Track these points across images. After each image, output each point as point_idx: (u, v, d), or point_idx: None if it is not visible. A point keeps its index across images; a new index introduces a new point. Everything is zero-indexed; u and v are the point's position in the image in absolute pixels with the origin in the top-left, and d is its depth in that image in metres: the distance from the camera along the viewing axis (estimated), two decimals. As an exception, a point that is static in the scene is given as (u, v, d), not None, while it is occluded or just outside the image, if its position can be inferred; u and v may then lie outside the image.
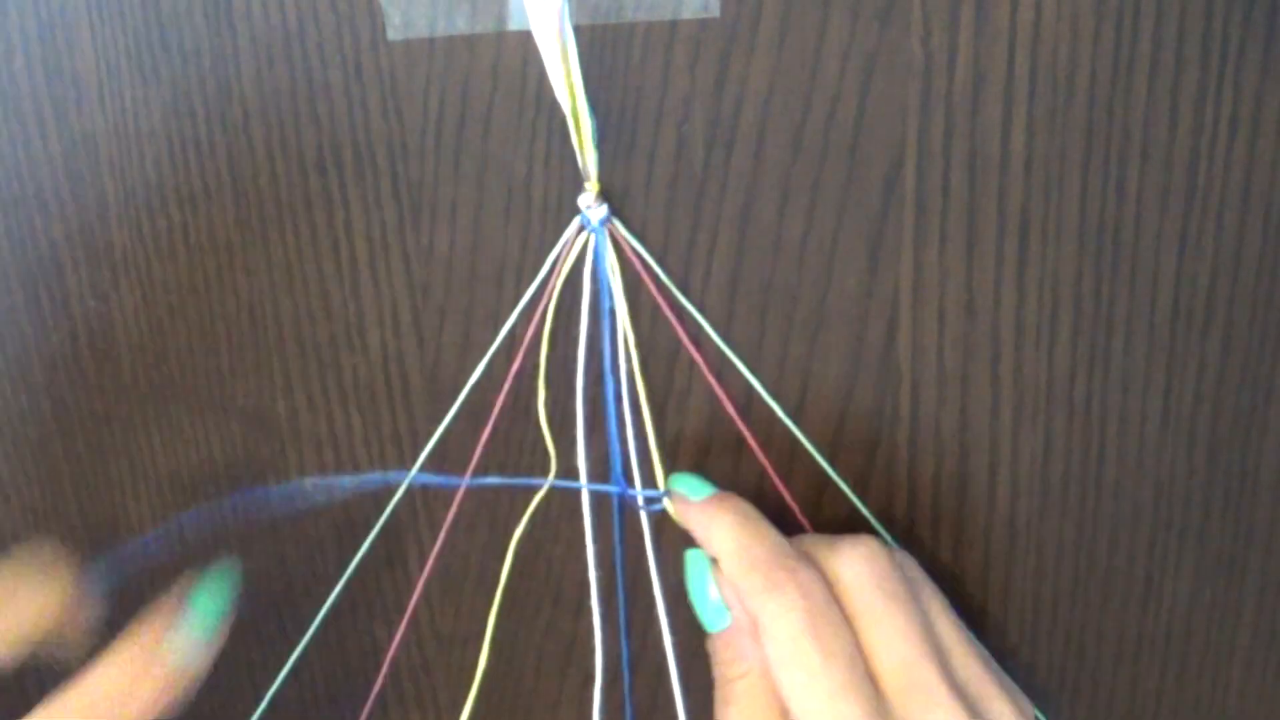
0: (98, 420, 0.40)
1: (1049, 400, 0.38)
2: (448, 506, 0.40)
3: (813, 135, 0.36)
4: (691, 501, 0.37)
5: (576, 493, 0.39)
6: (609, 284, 0.37)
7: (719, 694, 0.35)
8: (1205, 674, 0.42)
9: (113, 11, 0.36)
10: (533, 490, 0.40)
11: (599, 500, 0.40)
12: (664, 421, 0.39)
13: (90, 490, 0.41)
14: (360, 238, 0.38)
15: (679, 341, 0.38)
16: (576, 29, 0.35)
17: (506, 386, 0.39)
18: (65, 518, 0.41)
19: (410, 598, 0.41)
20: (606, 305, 0.37)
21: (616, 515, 0.40)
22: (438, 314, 0.39)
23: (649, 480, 0.39)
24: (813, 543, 0.36)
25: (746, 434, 0.39)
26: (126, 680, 0.33)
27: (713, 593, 0.35)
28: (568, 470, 0.39)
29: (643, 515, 0.39)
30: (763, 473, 0.39)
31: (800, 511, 0.39)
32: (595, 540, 0.40)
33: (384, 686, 0.42)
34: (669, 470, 0.39)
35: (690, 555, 0.36)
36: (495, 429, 0.39)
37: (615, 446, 0.39)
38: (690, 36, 0.35)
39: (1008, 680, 0.36)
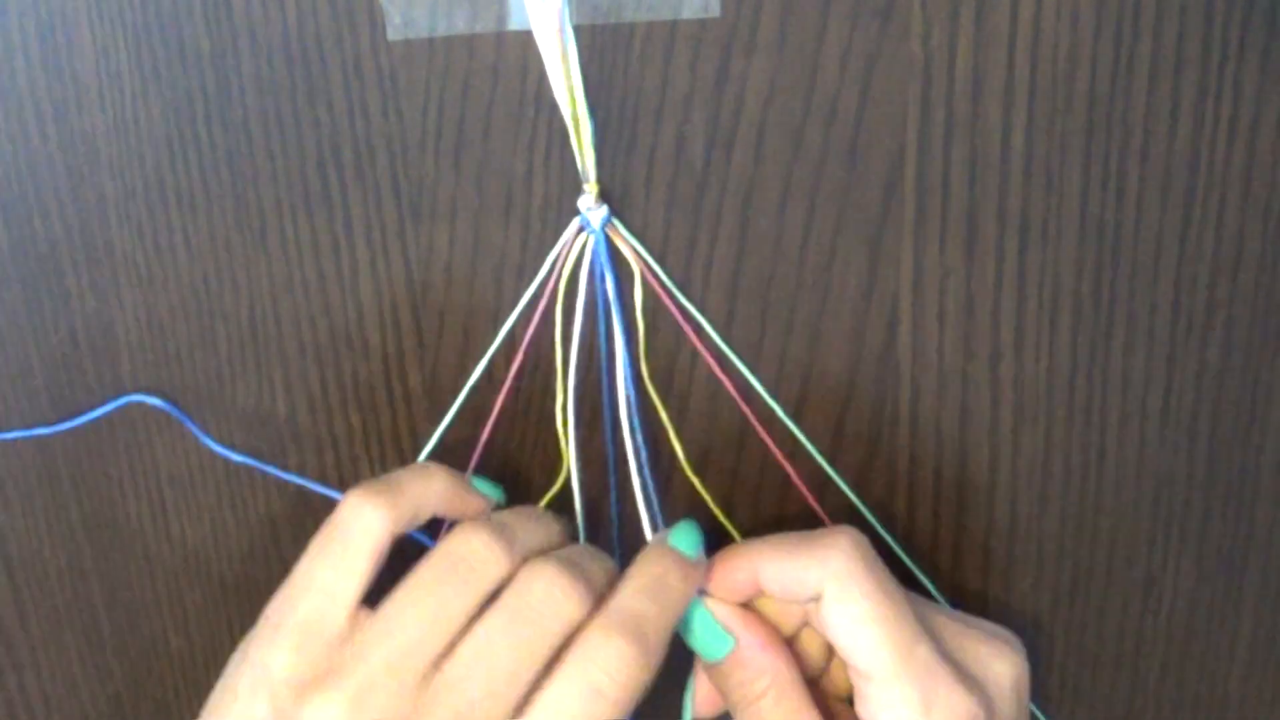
0: (98, 421, 0.40)
1: (1049, 400, 0.38)
2: (448, 506, 0.40)
3: (813, 135, 0.36)
4: (702, 562, 0.36)
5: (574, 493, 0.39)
6: (609, 286, 0.37)
7: (742, 718, 0.35)
8: (1205, 674, 0.42)
9: (113, 11, 0.36)
10: (534, 490, 0.40)
11: (595, 502, 0.40)
12: (664, 421, 0.39)
13: (90, 490, 0.41)
14: (360, 238, 0.38)
15: (680, 342, 0.38)
16: (576, 29, 0.35)
17: (506, 386, 0.39)
18: (65, 517, 0.41)
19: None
20: (606, 307, 0.37)
21: (614, 516, 0.40)
22: (438, 314, 0.39)
23: (647, 481, 0.39)
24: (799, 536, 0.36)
25: (755, 422, 0.39)
26: (659, 577, 0.34)
27: (707, 622, 0.35)
28: (566, 473, 0.39)
29: (645, 523, 0.39)
30: (764, 471, 0.39)
31: (810, 501, 0.39)
32: (591, 540, 0.40)
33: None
34: (665, 472, 0.39)
35: None
36: (495, 429, 0.39)
37: (611, 450, 0.39)
38: (690, 36, 0.35)
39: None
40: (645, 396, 0.38)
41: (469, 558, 0.33)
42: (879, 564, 0.34)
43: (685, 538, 0.35)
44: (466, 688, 0.31)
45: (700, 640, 0.35)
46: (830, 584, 0.33)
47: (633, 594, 0.33)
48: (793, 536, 0.35)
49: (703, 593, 0.35)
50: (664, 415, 0.38)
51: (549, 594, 0.32)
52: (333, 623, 0.33)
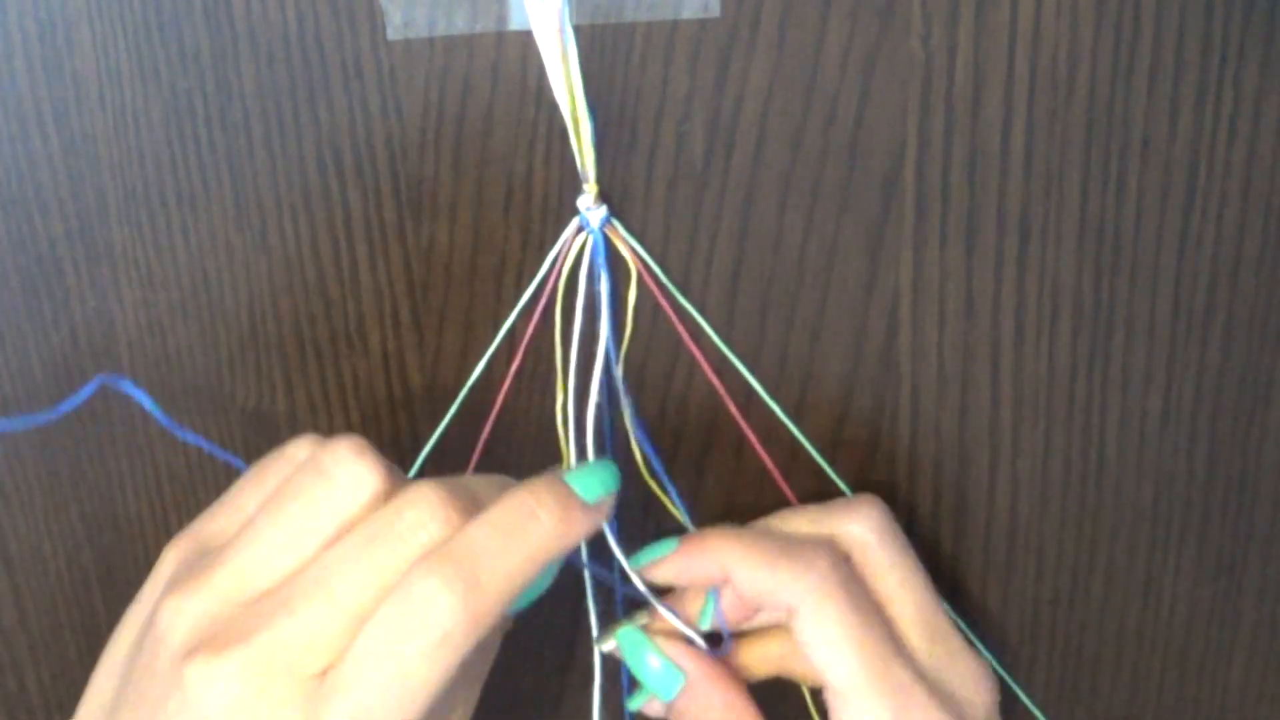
0: (98, 419, 0.40)
1: (1049, 400, 0.38)
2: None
3: (813, 135, 0.36)
4: (667, 555, 0.35)
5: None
6: (607, 286, 0.37)
7: None
8: (1205, 674, 0.42)
9: (113, 11, 0.36)
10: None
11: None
12: (664, 422, 0.39)
13: (90, 490, 0.41)
14: (360, 238, 0.38)
15: (679, 342, 0.38)
16: (576, 29, 0.35)
17: (506, 386, 0.39)
18: (65, 517, 0.41)
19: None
20: (604, 307, 0.37)
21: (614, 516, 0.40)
22: (438, 314, 0.39)
23: (645, 479, 0.39)
24: (809, 511, 0.36)
25: (748, 432, 0.39)
26: (523, 509, 0.30)
27: (656, 660, 0.35)
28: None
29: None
30: (763, 472, 0.39)
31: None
32: (590, 540, 0.40)
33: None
34: (669, 467, 0.39)
35: (621, 635, 0.36)
36: (495, 429, 0.39)
37: (609, 448, 0.39)
38: (690, 36, 0.35)
39: None
40: (639, 397, 0.38)
41: (334, 474, 0.30)
42: (855, 583, 0.34)
43: (587, 477, 0.31)
44: (297, 608, 0.28)
45: (652, 679, 0.35)
46: (805, 602, 0.33)
47: (481, 528, 0.29)
48: (771, 543, 0.35)
49: (647, 628, 0.36)
50: (627, 416, 0.38)
51: (417, 518, 0.29)
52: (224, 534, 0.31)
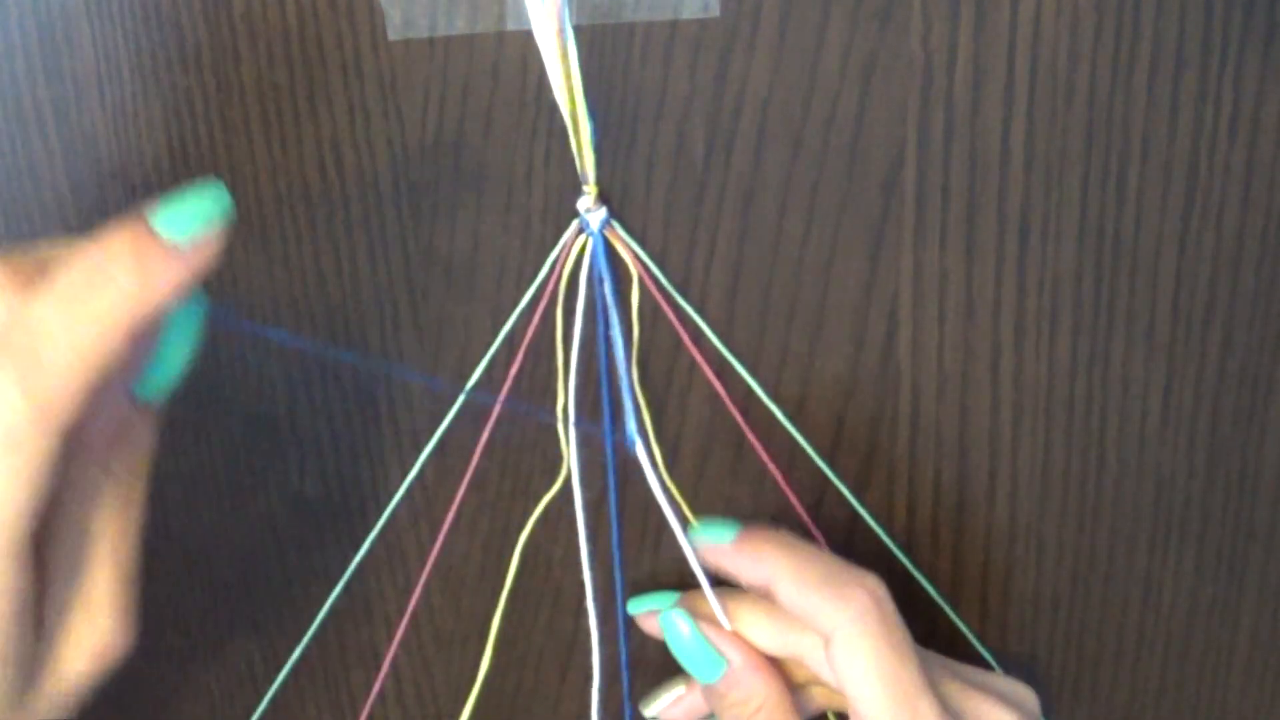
0: (98, 420, 0.40)
1: (1049, 400, 0.38)
2: (448, 506, 0.40)
3: (813, 135, 0.36)
4: (726, 544, 0.36)
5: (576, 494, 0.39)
6: (608, 287, 0.37)
7: None
8: (1205, 674, 0.42)
9: (113, 11, 0.36)
10: (534, 490, 0.40)
11: (596, 501, 0.40)
12: (664, 423, 0.39)
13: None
14: (360, 238, 0.38)
15: (678, 343, 0.38)
16: (576, 29, 0.35)
17: (506, 386, 0.39)
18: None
19: (410, 598, 0.41)
20: (603, 309, 0.37)
21: (614, 515, 0.40)
22: (438, 314, 0.39)
23: (640, 487, 0.39)
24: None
25: (749, 433, 0.39)
26: (91, 269, 0.25)
27: (690, 636, 0.36)
28: (566, 474, 0.39)
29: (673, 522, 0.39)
30: (763, 473, 0.39)
31: (802, 511, 0.39)
32: (591, 540, 0.40)
33: (384, 686, 0.42)
34: (668, 467, 0.39)
35: (665, 618, 0.36)
36: (495, 429, 0.39)
37: (610, 448, 0.39)
38: (690, 36, 0.35)
39: None
40: (645, 398, 0.38)
41: None
42: (894, 618, 0.34)
43: (177, 209, 0.26)
44: None
45: (694, 662, 0.36)
46: (841, 631, 0.34)
47: (40, 301, 0.25)
48: (818, 568, 0.35)
49: (693, 613, 0.36)
50: (648, 419, 0.38)
51: None
52: None
